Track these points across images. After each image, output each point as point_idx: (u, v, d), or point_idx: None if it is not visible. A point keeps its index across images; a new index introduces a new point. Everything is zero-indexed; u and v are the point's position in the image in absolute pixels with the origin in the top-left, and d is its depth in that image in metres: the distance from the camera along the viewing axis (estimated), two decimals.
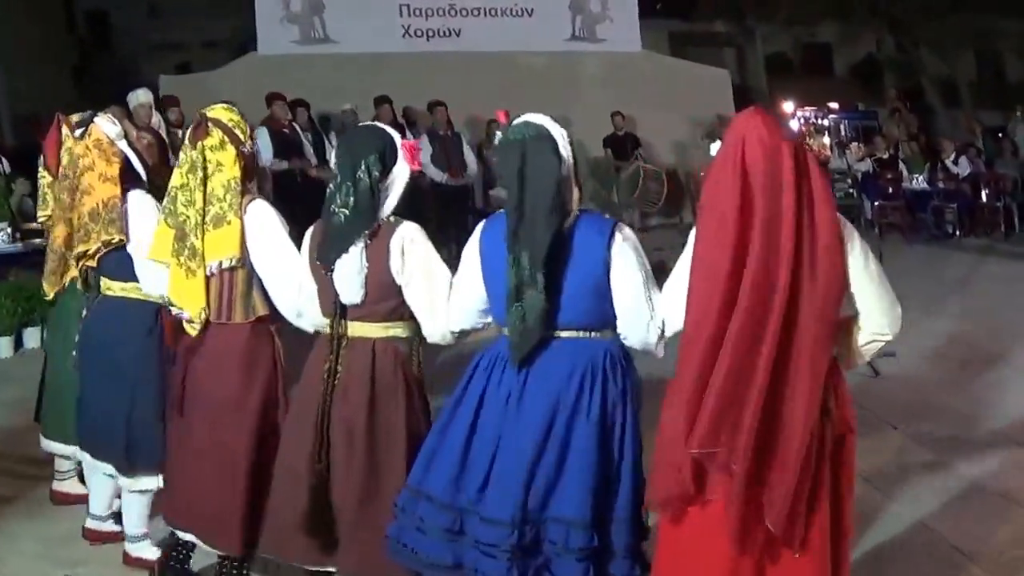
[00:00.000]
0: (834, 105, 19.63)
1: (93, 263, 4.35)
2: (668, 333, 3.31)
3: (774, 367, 2.83)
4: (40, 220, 4.98)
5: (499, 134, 3.45)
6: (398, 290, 3.57)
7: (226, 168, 3.86)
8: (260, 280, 3.91)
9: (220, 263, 3.85)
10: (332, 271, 3.55)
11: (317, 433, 3.61)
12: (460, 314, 3.55)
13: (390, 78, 13.56)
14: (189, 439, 3.98)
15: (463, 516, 3.28)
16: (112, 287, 4.36)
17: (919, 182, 15.20)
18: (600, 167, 13.90)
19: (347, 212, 3.53)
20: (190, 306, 3.88)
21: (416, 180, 3.73)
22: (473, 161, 12.67)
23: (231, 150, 3.87)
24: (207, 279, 3.86)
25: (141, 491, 4.32)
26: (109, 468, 4.36)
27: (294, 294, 3.80)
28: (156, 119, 10.58)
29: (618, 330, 3.34)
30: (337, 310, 3.61)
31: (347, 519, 3.59)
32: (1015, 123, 18.08)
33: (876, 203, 14.80)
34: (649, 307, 3.30)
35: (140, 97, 10.54)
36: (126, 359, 4.28)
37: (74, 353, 4.53)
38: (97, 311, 4.40)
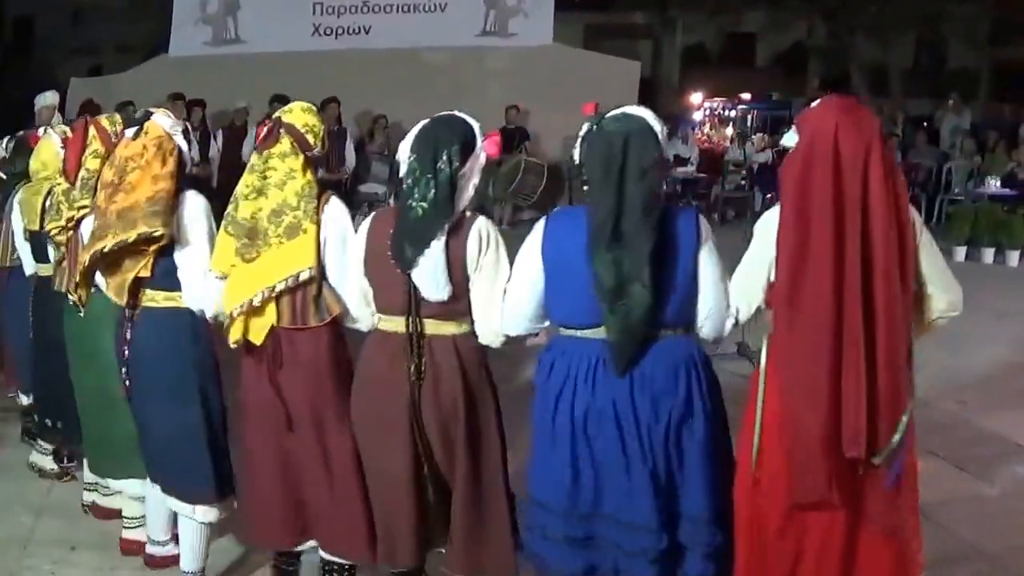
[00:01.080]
0: (746, 96, 19.63)
1: (147, 272, 3.88)
2: (742, 320, 3.36)
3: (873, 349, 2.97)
4: (50, 230, 4.55)
5: (585, 125, 3.28)
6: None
7: (298, 175, 3.68)
8: (328, 279, 3.73)
9: (297, 276, 3.64)
10: (412, 268, 3.43)
11: (413, 437, 3.54)
12: (515, 318, 3.45)
13: (296, 77, 13.51)
14: (292, 452, 3.81)
15: (591, 523, 3.27)
16: (156, 298, 3.95)
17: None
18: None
19: (425, 206, 3.40)
20: (226, 307, 3.70)
21: None
22: (352, 156, 12.80)
23: (300, 156, 3.69)
24: (281, 292, 3.65)
25: (203, 523, 4.06)
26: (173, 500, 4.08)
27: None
28: (58, 119, 10.66)
29: (699, 323, 3.29)
30: (412, 308, 3.49)
31: (456, 520, 3.60)
32: (943, 112, 17.99)
33: (768, 195, 14.41)
34: (726, 298, 3.30)
35: (47, 99, 10.61)
36: (182, 375, 3.96)
37: (124, 378, 4.04)
38: (145, 327, 3.98)
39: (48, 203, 4.65)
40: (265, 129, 3.74)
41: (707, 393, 3.24)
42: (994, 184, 13.37)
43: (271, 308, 3.70)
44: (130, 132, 3.95)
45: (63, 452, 5.33)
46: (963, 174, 15.11)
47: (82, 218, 4.21)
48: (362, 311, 3.68)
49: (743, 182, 13.90)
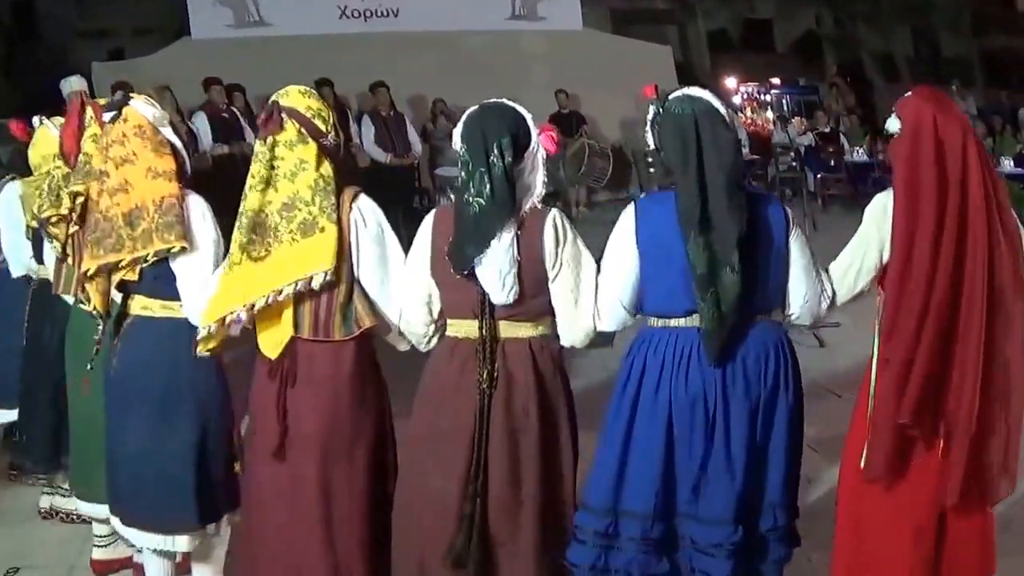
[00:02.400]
0: (776, 80, 19.73)
1: (134, 276, 3.55)
2: (838, 304, 3.36)
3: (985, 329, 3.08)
4: (48, 216, 4.03)
5: (652, 108, 3.23)
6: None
7: (310, 166, 3.35)
8: (363, 287, 3.42)
9: (310, 279, 3.30)
10: (473, 268, 3.22)
11: (471, 453, 3.27)
12: (612, 311, 3.28)
13: (327, 60, 13.31)
14: (290, 483, 3.43)
15: (672, 523, 3.22)
16: (151, 306, 3.63)
17: (859, 155, 15.28)
18: None
19: (483, 202, 3.19)
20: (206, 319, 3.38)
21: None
22: (417, 141, 12.59)
23: (312, 144, 3.37)
24: (295, 295, 3.33)
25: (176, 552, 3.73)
26: (155, 540, 3.69)
27: (424, 302, 3.41)
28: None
29: (791, 306, 3.27)
30: (485, 310, 3.27)
31: (516, 538, 3.31)
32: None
33: (819, 175, 14.98)
34: (820, 282, 3.29)
35: (73, 84, 10.23)
36: (175, 393, 3.61)
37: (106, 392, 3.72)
38: (137, 338, 3.63)
39: (47, 187, 4.14)
40: (263, 115, 3.41)
41: (793, 379, 3.23)
42: (1008, 164, 13.47)
43: (287, 316, 3.36)
44: (107, 116, 3.65)
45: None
46: None
47: (84, 206, 3.74)
48: (419, 317, 3.40)
49: (793, 163, 13.95)
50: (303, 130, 3.36)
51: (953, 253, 3.07)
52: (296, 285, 3.28)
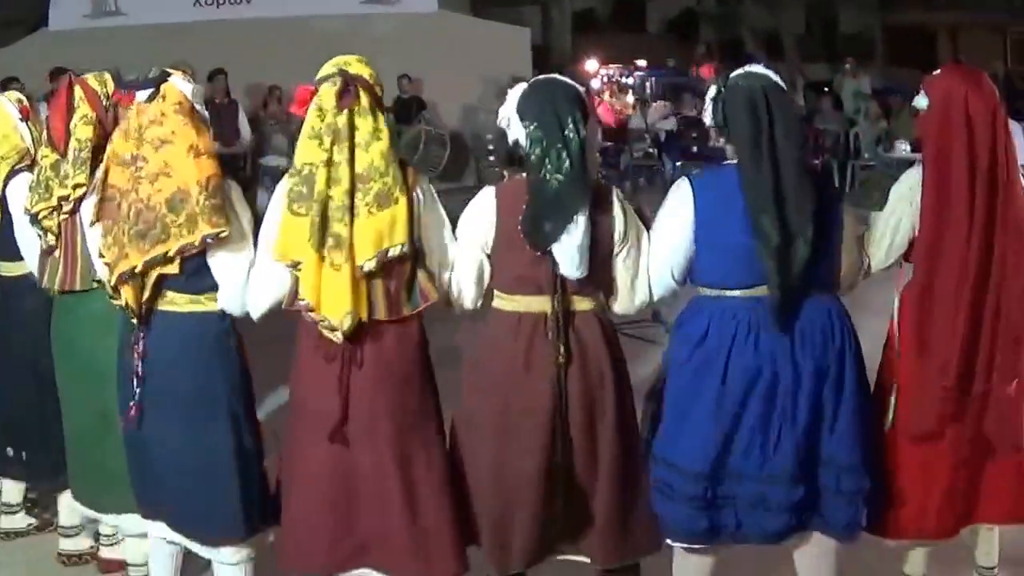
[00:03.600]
0: (642, 63, 19.62)
1: (175, 269, 3.28)
2: (872, 272, 3.51)
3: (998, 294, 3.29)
4: (38, 212, 3.77)
5: (713, 87, 3.33)
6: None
7: (383, 135, 3.22)
8: (425, 262, 3.32)
9: (387, 252, 3.17)
10: (550, 244, 3.21)
11: (553, 425, 3.28)
12: (664, 281, 3.38)
13: (181, 49, 13.16)
14: (356, 467, 3.29)
15: (725, 482, 3.28)
16: (177, 301, 3.38)
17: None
18: None
19: (561, 177, 3.18)
20: (335, 310, 3.15)
21: None
22: (247, 129, 12.45)
23: (380, 114, 3.23)
24: (365, 275, 3.18)
25: (230, 564, 3.48)
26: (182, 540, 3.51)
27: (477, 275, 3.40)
28: None
29: (840, 279, 3.38)
30: (557, 286, 3.27)
31: (599, 505, 3.34)
32: (841, 77, 18.03)
33: (678, 163, 14.39)
34: (860, 255, 3.46)
35: None
36: (210, 393, 3.38)
37: (135, 397, 3.39)
38: (163, 336, 3.38)
39: (35, 179, 3.81)
40: (338, 86, 3.18)
41: (855, 345, 3.33)
42: (903, 148, 13.03)
43: (363, 296, 3.21)
44: (142, 95, 3.34)
45: (30, 496, 4.54)
46: (870, 139, 15.08)
47: (80, 199, 3.58)
48: (471, 294, 3.40)
49: (651, 150, 13.87)
50: (372, 100, 3.24)
51: (984, 222, 3.22)
52: (375, 261, 3.16)
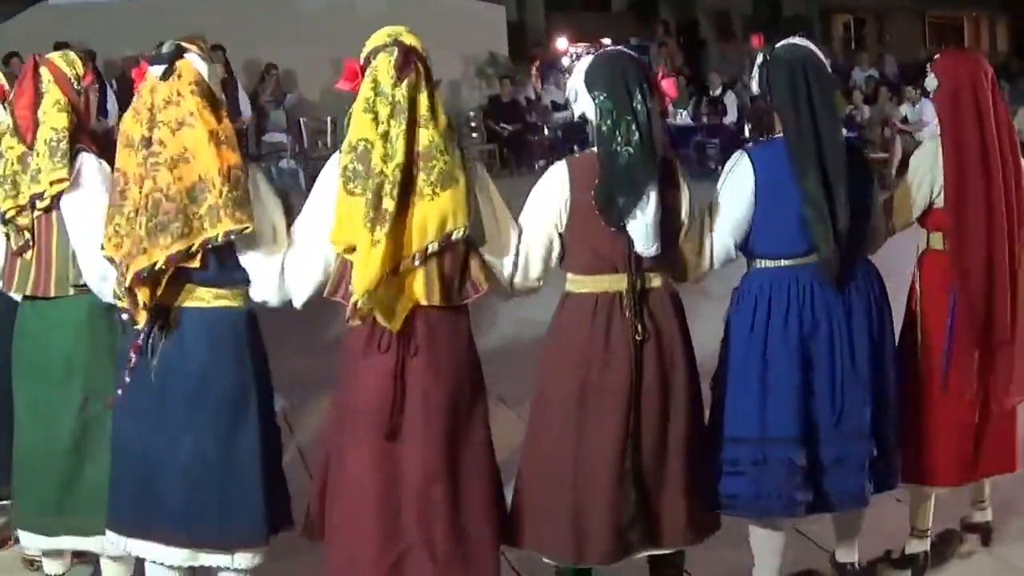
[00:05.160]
0: (606, 41, 19.86)
1: (197, 263, 3.08)
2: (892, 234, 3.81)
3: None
4: (6, 211, 3.43)
5: (760, 57, 3.53)
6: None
7: (440, 113, 3.06)
8: (477, 247, 3.19)
9: (451, 235, 3.03)
10: (625, 220, 3.22)
11: (630, 404, 3.28)
12: (723, 252, 3.49)
13: (181, 22, 13.33)
14: (410, 469, 3.15)
15: (814, 448, 3.44)
16: (203, 296, 3.19)
17: (683, 117, 15.30)
18: None
19: (631, 150, 3.16)
20: (358, 284, 2.98)
21: None
22: (248, 106, 12.67)
23: (434, 90, 3.08)
24: (427, 257, 3.04)
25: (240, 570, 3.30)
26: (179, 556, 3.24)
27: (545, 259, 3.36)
28: None
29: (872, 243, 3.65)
30: (632, 263, 3.28)
31: (670, 484, 3.37)
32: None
33: None
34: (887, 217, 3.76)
35: None
36: (239, 391, 3.21)
37: (122, 387, 3.20)
38: (189, 333, 3.17)
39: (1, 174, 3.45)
40: (396, 56, 3.03)
41: (889, 307, 3.62)
42: None
43: (419, 279, 3.06)
44: (156, 70, 3.09)
45: None
46: None
47: (58, 195, 3.33)
48: (538, 273, 3.35)
49: None
50: (426, 74, 3.07)
51: (1001, 176, 3.62)
52: (438, 243, 3.03)
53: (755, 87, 3.54)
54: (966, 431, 3.76)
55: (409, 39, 3.10)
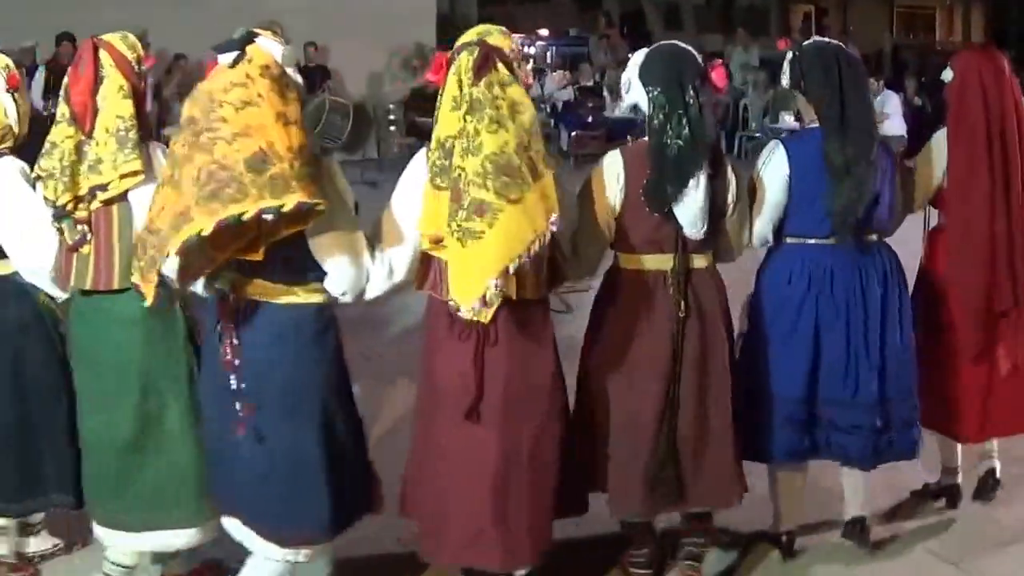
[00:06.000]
0: (543, 32, 19.70)
1: (259, 256, 3.00)
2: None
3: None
4: (65, 203, 3.26)
5: (789, 53, 3.79)
6: None
7: (527, 106, 3.10)
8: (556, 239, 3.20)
9: (545, 234, 3.02)
10: (670, 206, 3.40)
11: (671, 374, 3.51)
12: (763, 235, 3.76)
13: (83, 13, 12.83)
14: (480, 441, 3.24)
15: (820, 406, 3.75)
16: (270, 293, 3.12)
17: (622, 110, 15.12)
18: None
19: (681, 143, 3.35)
20: (465, 293, 2.98)
21: None
22: (150, 99, 12.17)
23: (519, 88, 3.11)
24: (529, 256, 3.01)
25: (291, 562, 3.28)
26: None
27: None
28: None
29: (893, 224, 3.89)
30: (678, 245, 3.48)
31: (700, 451, 3.59)
32: (731, 48, 18.36)
33: (573, 132, 14.61)
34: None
35: None
36: (305, 393, 3.16)
37: (239, 401, 3.14)
38: (254, 331, 3.13)
39: (52, 164, 3.26)
40: (476, 56, 3.08)
41: (905, 284, 3.87)
42: (788, 119, 13.26)
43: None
44: (226, 58, 2.99)
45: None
46: (758, 110, 15.37)
47: (127, 189, 3.20)
48: (599, 257, 3.60)
49: (549, 119, 13.98)
50: (510, 72, 3.12)
51: (1003, 166, 3.89)
52: (541, 239, 3.01)
53: (785, 81, 3.78)
54: (988, 391, 4.11)
55: (495, 39, 3.17)
